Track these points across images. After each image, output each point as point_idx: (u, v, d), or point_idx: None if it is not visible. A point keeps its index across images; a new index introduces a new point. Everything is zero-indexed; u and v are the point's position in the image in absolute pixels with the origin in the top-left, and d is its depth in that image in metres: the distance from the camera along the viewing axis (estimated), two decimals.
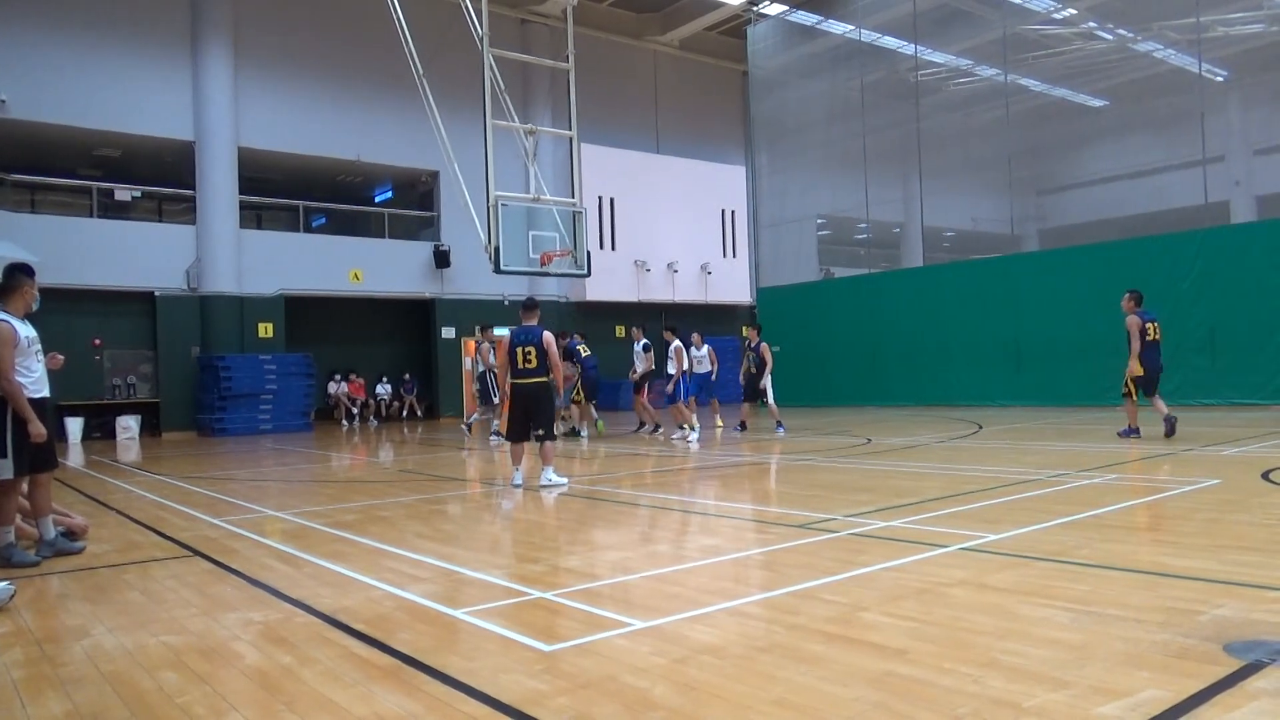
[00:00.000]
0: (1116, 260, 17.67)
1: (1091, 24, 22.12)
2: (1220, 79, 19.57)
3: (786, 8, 25.25)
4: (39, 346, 5.95)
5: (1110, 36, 22.26)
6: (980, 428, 14.24)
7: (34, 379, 5.82)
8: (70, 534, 6.44)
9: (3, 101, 18.59)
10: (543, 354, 8.72)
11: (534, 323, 8.96)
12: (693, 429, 14.00)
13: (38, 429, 5.67)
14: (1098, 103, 23.70)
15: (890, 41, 23.40)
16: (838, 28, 24.28)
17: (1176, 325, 16.68)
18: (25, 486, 6.05)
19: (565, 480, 8.97)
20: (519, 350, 8.74)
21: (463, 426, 18.48)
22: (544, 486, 8.72)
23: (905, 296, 21.77)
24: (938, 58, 23.44)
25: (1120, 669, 3.12)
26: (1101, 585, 4.26)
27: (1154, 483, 7.47)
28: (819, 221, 26.71)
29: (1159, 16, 19.83)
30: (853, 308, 22.92)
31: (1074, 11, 21.96)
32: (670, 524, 6.80)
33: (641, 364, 15.68)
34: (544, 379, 8.81)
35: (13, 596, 4.71)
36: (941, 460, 10.04)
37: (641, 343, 15.78)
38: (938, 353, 20.65)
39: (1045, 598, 4.07)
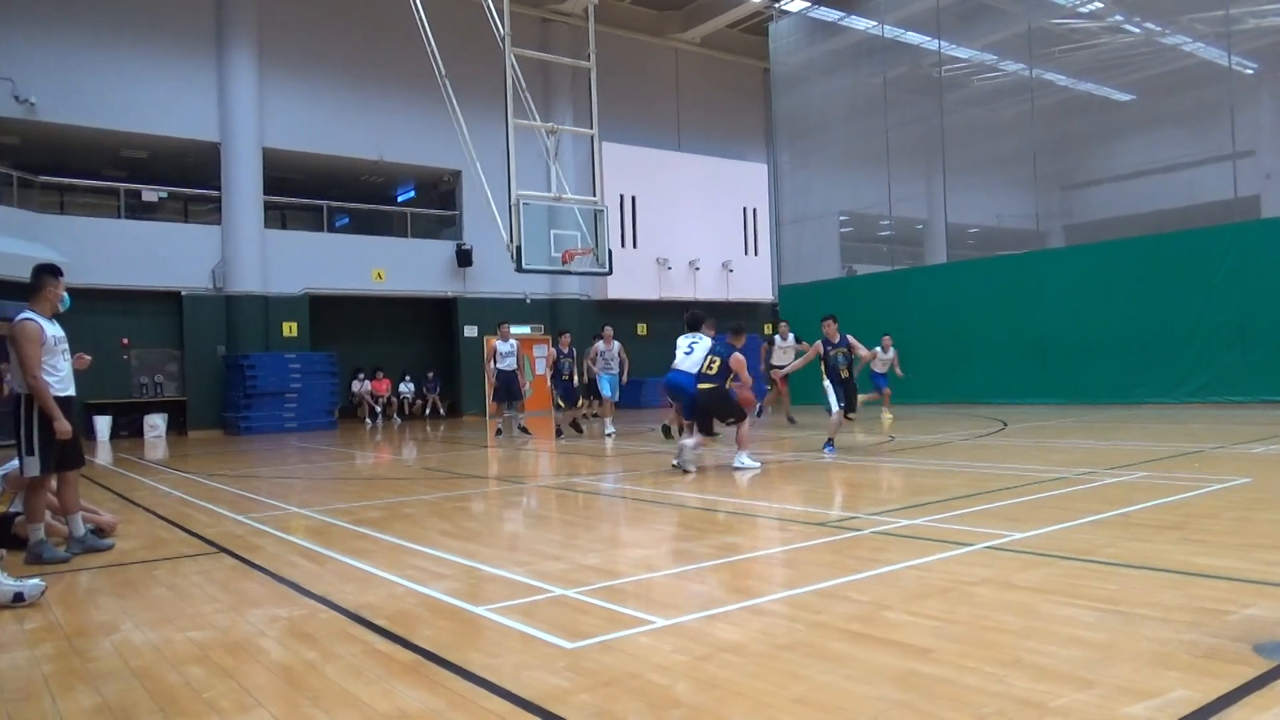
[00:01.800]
0: (1144, 256, 17.46)
1: (1118, 17, 21.84)
2: (1250, 72, 19.30)
3: (809, 4, 25.09)
4: (66, 346, 6.03)
5: (1137, 29, 21.97)
6: (1005, 425, 14.12)
7: (60, 378, 5.90)
8: (99, 531, 6.54)
9: (32, 104, 18.85)
10: (724, 365, 9.62)
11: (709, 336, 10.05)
12: (584, 426, 13.51)
13: (63, 426, 5.75)
14: (1124, 97, 23.41)
15: (913, 37, 23.22)
16: (860, 23, 24.12)
17: (1206, 321, 16.50)
18: (54, 484, 6.15)
19: (758, 464, 9.53)
20: (706, 360, 9.85)
21: (580, 424, 16.45)
22: (736, 469, 9.32)
23: (929, 293, 21.60)
24: (961, 53, 23.22)
25: (1148, 669, 3.07)
26: (1129, 584, 4.21)
27: (1182, 481, 7.37)
28: (841, 218, 26.57)
29: (1187, 9, 19.54)
30: (875, 305, 22.71)
31: (1100, 4, 21.69)
32: (692, 522, 6.79)
33: (792, 357, 16.11)
34: (716, 385, 9.61)
35: (44, 592, 4.78)
36: (966, 458, 9.96)
37: (789, 337, 16.04)
38: (962, 350, 20.47)
39: (1071, 597, 4.02)
